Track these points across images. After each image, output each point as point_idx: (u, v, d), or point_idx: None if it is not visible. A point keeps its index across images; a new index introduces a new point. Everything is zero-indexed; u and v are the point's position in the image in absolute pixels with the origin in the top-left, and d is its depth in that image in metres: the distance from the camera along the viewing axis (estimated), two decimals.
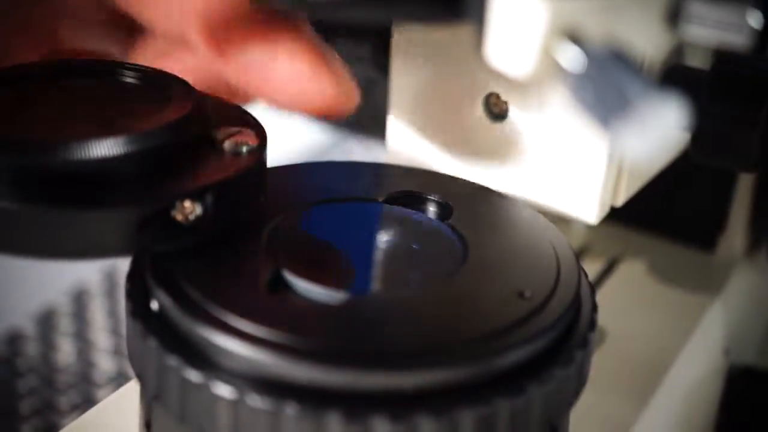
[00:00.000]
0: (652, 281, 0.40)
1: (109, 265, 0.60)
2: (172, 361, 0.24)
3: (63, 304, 0.57)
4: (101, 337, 0.55)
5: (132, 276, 0.27)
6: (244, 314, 0.24)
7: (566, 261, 0.28)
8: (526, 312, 0.25)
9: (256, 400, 0.23)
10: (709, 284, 0.40)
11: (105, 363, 0.53)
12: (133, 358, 0.26)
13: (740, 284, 0.41)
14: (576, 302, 0.27)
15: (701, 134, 0.36)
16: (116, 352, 0.54)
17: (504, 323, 0.25)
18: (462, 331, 0.25)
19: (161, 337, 0.24)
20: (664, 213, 0.41)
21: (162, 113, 0.27)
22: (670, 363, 0.36)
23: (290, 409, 0.23)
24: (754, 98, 0.35)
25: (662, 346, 0.37)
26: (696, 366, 0.38)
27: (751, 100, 0.34)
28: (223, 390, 0.23)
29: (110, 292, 0.58)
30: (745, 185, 0.41)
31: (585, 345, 0.26)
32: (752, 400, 0.39)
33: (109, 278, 0.60)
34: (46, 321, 0.56)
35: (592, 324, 0.27)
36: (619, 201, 0.34)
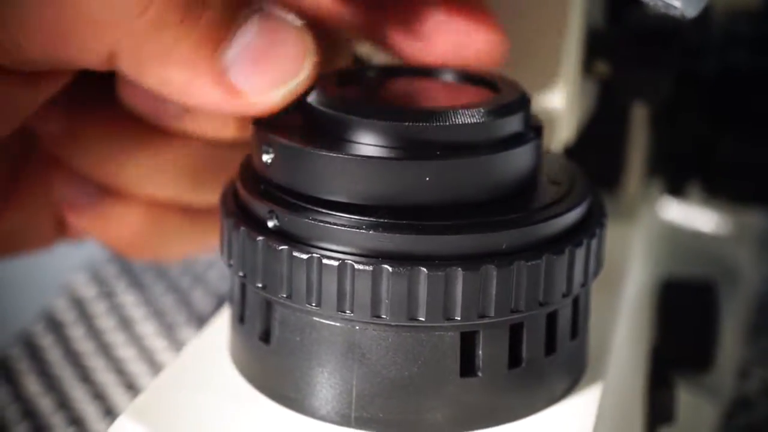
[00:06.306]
0: None
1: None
2: (304, 256, 0.29)
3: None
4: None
5: (225, 200, 0.32)
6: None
7: (573, 165, 0.34)
8: (561, 194, 0.32)
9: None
10: (622, 216, 0.46)
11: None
12: (251, 273, 0.30)
13: (646, 213, 0.48)
14: (592, 190, 0.33)
15: (621, 74, 0.43)
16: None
17: (547, 200, 0.31)
18: (519, 206, 0.31)
19: (287, 243, 0.29)
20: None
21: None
22: (622, 277, 0.41)
23: (387, 268, 0.28)
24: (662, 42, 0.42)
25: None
26: (632, 284, 0.43)
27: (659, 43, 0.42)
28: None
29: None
30: (640, 130, 0.48)
31: (602, 226, 0.32)
32: (677, 307, 0.46)
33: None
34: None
35: (603, 211, 0.33)
36: None
